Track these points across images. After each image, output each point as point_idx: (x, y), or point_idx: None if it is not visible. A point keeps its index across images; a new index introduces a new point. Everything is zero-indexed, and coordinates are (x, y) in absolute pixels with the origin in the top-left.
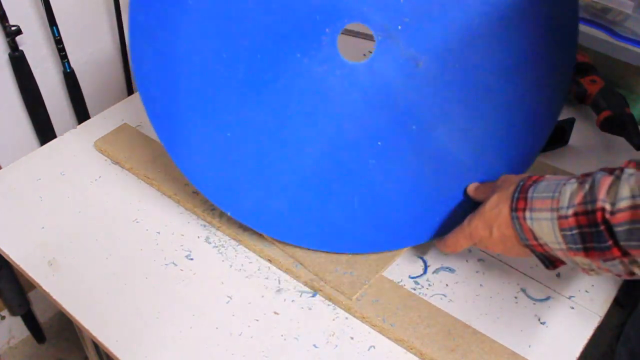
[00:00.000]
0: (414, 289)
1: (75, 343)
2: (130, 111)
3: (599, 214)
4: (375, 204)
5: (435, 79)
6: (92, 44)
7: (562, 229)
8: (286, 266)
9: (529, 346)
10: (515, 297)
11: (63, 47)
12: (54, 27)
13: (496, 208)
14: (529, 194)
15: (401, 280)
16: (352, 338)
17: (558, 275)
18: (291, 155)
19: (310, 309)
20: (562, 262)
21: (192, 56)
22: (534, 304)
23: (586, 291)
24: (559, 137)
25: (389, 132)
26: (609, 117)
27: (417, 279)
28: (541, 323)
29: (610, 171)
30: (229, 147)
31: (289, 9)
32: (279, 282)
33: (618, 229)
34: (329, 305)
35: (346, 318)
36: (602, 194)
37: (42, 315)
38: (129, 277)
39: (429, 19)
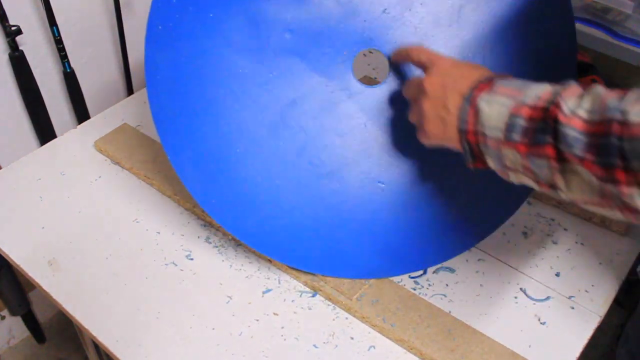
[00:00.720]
0: (414, 289)
1: (75, 343)
2: (130, 111)
3: (552, 109)
4: (377, 231)
5: None
6: (92, 44)
7: (510, 115)
8: (286, 266)
9: (529, 346)
10: (515, 297)
11: (63, 47)
12: (54, 27)
13: (461, 72)
14: (497, 81)
15: (401, 280)
16: (352, 338)
17: (558, 275)
18: (300, 176)
19: (310, 309)
20: (483, 164)
21: (207, 69)
22: (534, 304)
23: (586, 291)
24: None
25: (392, 156)
26: None
27: (417, 279)
28: (541, 323)
29: (584, 85)
30: (238, 164)
31: (309, 31)
32: (279, 282)
33: (568, 131)
34: (329, 305)
35: (346, 318)
36: (565, 94)
37: (42, 315)
38: (129, 277)
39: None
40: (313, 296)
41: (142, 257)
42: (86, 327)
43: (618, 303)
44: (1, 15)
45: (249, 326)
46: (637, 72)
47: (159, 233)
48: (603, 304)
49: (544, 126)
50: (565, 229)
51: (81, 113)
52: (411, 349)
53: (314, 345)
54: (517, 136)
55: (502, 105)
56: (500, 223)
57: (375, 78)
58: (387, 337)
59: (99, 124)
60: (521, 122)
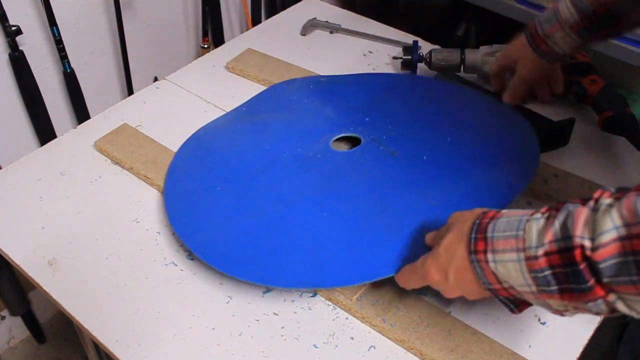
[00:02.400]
0: (414, 289)
1: (75, 343)
2: (130, 111)
3: (577, 252)
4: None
5: (406, 163)
6: (92, 44)
7: (531, 271)
8: None
9: (529, 346)
10: None
11: (63, 47)
12: (54, 27)
13: (450, 249)
14: (488, 234)
15: None
16: (352, 338)
17: None
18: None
19: (310, 309)
20: (528, 305)
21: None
22: None
23: None
24: (558, 137)
25: (363, 195)
26: (610, 117)
27: None
28: (541, 323)
29: (583, 202)
30: (234, 221)
31: (301, 122)
32: None
33: (602, 265)
34: (329, 305)
35: (346, 318)
36: (578, 230)
37: (42, 315)
38: (129, 277)
39: (410, 136)
40: (313, 296)
41: (142, 257)
42: (86, 327)
43: None
44: (1, 15)
45: (249, 326)
46: (637, 72)
47: (159, 233)
48: None
49: (573, 270)
50: None
51: (81, 113)
52: (411, 349)
53: (314, 345)
54: (554, 288)
55: (514, 262)
56: None
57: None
58: (387, 337)
59: (99, 124)
60: (547, 274)
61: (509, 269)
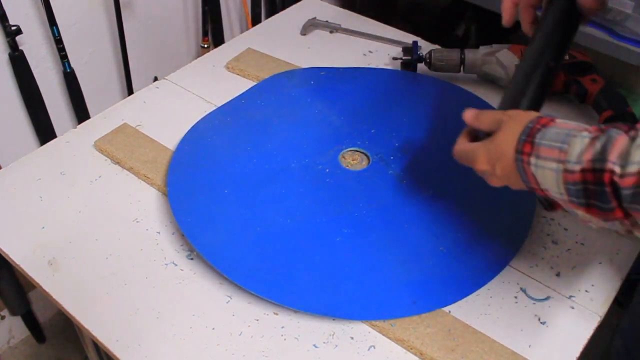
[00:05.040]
0: None
1: (75, 343)
2: (130, 111)
3: (606, 175)
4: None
5: (413, 191)
6: (92, 44)
7: (566, 182)
8: None
9: (529, 346)
10: (515, 297)
11: (63, 47)
12: (54, 27)
13: (501, 146)
14: (537, 139)
15: None
16: (352, 338)
17: (558, 275)
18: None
19: None
20: (562, 207)
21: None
22: (534, 304)
23: (586, 291)
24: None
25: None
26: (611, 116)
27: None
28: (541, 323)
29: (626, 130)
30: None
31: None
32: None
33: (625, 192)
34: None
35: None
36: (613, 155)
37: (42, 315)
38: (129, 277)
39: (416, 160)
40: None
41: (142, 257)
42: (86, 327)
43: (618, 303)
44: (1, 15)
45: (249, 326)
46: (637, 72)
47: (159, 233)
48: (603, 303)
49: (601, 190)
50: (565, 229)
51: (81, 113)
52: (411, 349)
53: (314, 345)
54: (582, 201)
55: (552, 170)
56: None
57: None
58: (387, 337)
59: (99, 124)
60: (579, 188)
61: (547, 176)
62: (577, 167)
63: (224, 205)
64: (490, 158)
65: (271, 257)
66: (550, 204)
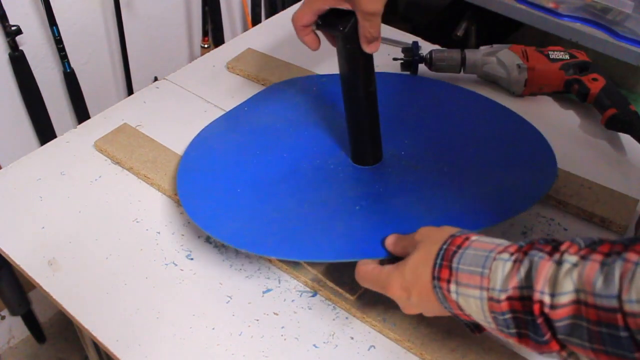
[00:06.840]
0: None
1: (75, 343)
2: (130, 111)
3: (536, 307)
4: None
5: (426, 174)
6: (92, 44)
7: (492, 311)
8: (286, 266)
9: None
10: None
11: (63, 47)
12: (54, 27)
13: (416, 271)
14: (454, 264)
15: None
16: (352, 338)
17: None
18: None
19: (310, 309)
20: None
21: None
22: None
23: None
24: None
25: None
26: (614, 115)
27: None
28: None
29: (550, 252)
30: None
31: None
32: (279, 282)
33: (558, 324)
34: (329, 305)
35: (346, 318)
36: (539, 284)
37: (42, 315)
38: (129, 277)
39: (426, 151)
40: (313, 296)
41: (142, 257)
42: (86, 327)
43: None
44: (1, 15)
45: (249, 326)
46: (637, 72)
47: (159, 233)
48: None
49: (532, 319)
50: (565, 229)
51: (81, 113)
52: (411, 349)
53: (314, 345)
54: (513, 331)
55: (476, 298)
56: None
57: None
58: (387, 337)
59: (99, 124)
60: (508, 317)
61: (470, 303)
62: (503, 296)
63: (239, 201)
64: (406, 283)
65: (294, 223)
66: (478, 327)
